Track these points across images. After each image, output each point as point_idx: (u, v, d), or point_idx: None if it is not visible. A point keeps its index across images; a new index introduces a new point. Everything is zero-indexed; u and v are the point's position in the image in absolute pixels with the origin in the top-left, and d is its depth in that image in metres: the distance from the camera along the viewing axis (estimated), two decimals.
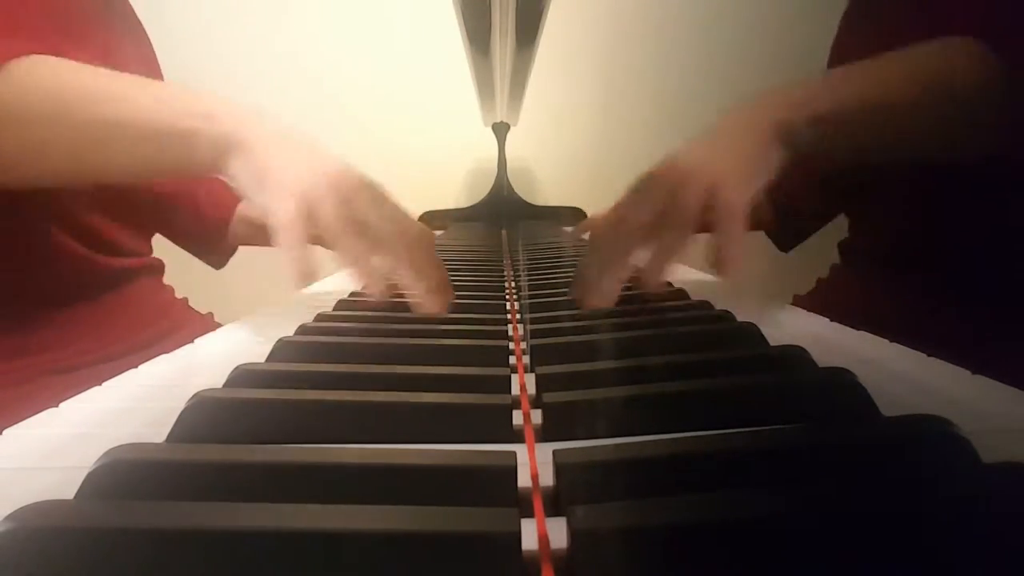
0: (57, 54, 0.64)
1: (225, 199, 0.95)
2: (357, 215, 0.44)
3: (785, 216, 0.85)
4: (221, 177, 0.48)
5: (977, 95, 0.49)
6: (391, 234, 0.44)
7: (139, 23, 0.88)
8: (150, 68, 0.89)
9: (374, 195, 0.46)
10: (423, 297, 0.44)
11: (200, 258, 0.90)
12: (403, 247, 0.44)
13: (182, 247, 0.88)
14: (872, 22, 0.81)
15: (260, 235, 0.91)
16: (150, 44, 0.90)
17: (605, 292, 0.45)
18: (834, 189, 0.79)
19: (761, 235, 0.88)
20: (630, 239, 0.45)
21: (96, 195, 0.65)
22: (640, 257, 0.45)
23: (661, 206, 0.44)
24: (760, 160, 0.46)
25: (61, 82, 0.49)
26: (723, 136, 0.49)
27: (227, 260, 0.92)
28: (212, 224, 0.87)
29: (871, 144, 0.52)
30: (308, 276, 0.42)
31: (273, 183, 0.44)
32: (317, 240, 0.43)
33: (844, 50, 0.89)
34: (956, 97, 0.49)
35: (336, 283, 0.71)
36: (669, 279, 0.52)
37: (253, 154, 0.46)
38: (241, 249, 0.91)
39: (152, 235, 0.83)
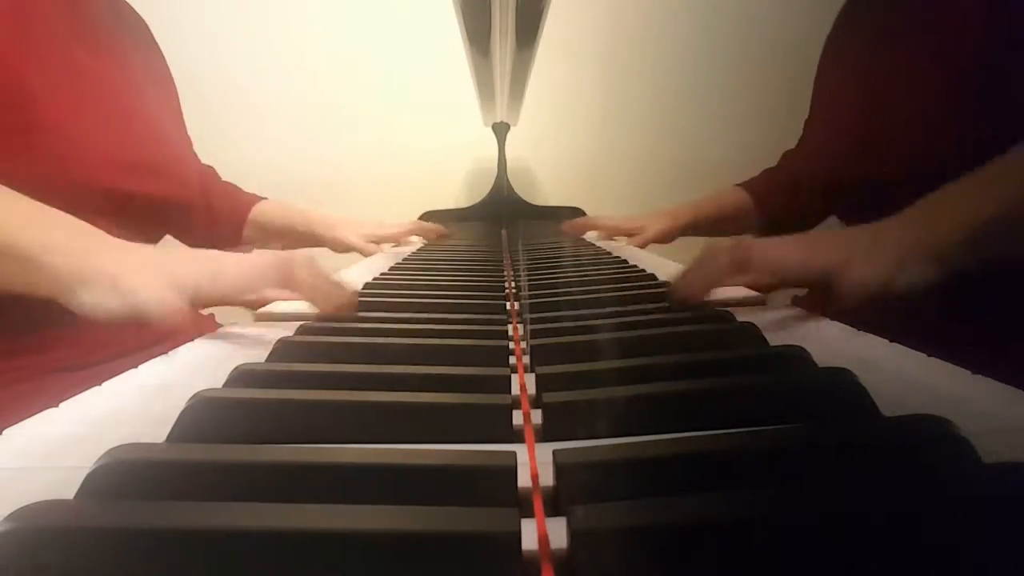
0: (74, 61, 0.65)
1: (239, 202, 0.95)
2: (224, 278, 0.47)
3: (774, 222, 0.86)
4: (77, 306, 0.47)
5: None
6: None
7: (150, 35, 0.89)
8: (162, 82, 0.90)
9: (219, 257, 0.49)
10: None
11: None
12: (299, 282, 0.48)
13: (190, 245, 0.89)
14: (866, 23, 0.81)
15: (272, 237, 0.92)
16: (162, 56, 0.91)
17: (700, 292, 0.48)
18: (817, 200, 0.80)
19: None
20: (734, 277, 0.49)
21: (102, 201, 0.65)
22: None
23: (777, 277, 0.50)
24: (907, 268, 0.46)
25: None
26: (876, 239, 0.49)
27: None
28: (226, 227, 0.89)
29: (1008, 251, 0.51)
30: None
31: (144, 292, 0.44)
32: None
33: (837, 50, 0.89)
34: None
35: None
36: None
37: (112, 277, 0.45)
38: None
39: (160, 238, 0.84)
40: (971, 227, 0.47)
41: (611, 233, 1.15)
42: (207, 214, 0.87)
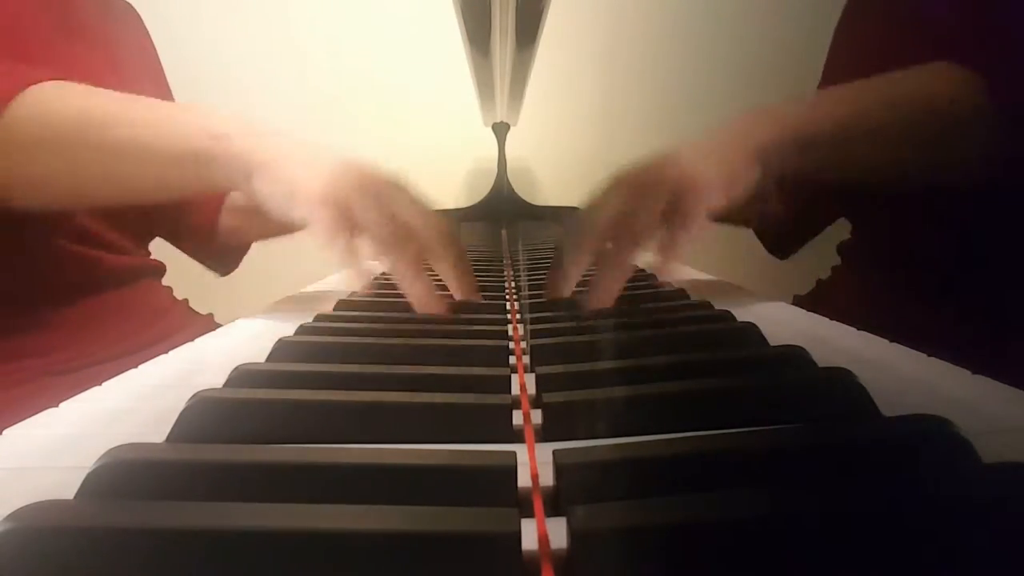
0: (64, 59, 0.65)
1: (211, 196, 0.93)
2: (389, 212, 0.45)
3: (779, 226, 0.85)
4: (247, 197, 0.47)
5: (960, 119, 0.49)
6: (423, 227, 0.46)
7: (141, 25, 0.88)
8: (154, 71, 0.89)
9: (401, 191, 0.48)
10: (455, 285, 0.48)
11: (204, 262, 0.89)
12: (435, 239, 0.47)
13: (185, 252, 0.88)
14: (866, 29, 0.81)
15: (252, 226, 0.90)
16: (154, 50, 0.90)
17: (570, 282, 0.48)
18: (827, 199, 0.79)
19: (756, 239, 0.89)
20: (596, 234, 0.47)
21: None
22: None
23: (630, 203, 0.47)
24: (734, 176, 0.47)
25: (77, 107, 0.49)
26: (704, 148, 0.50)
27: (233, 265, 0.91)
28: (202, 219, 0.86)
29: (854, 167, 0.53)
30: (365, 276, 0.45)
31: (303, 196, 0.44)
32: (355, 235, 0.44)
33: (838, 59, 0.89)
34: (939, 121, 0.50)
35: (336, 283, 0.71)
36: (670, 279, 0.54)
37: (277, 172, 0.46)
38: None
39: (151, 239, 0.83)
40: (791, 138, 0.48)
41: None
42: (181, 207, 0.84)
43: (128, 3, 0.87)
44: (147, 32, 0.89)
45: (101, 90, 0.50)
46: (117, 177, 0.50)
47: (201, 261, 0.89)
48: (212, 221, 0.85)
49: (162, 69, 0.91)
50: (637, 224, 0.46)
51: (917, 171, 0.53)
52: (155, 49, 0.90)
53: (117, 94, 0.50)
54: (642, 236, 0.46)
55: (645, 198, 0.46)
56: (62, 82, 0.50)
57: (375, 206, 0.44)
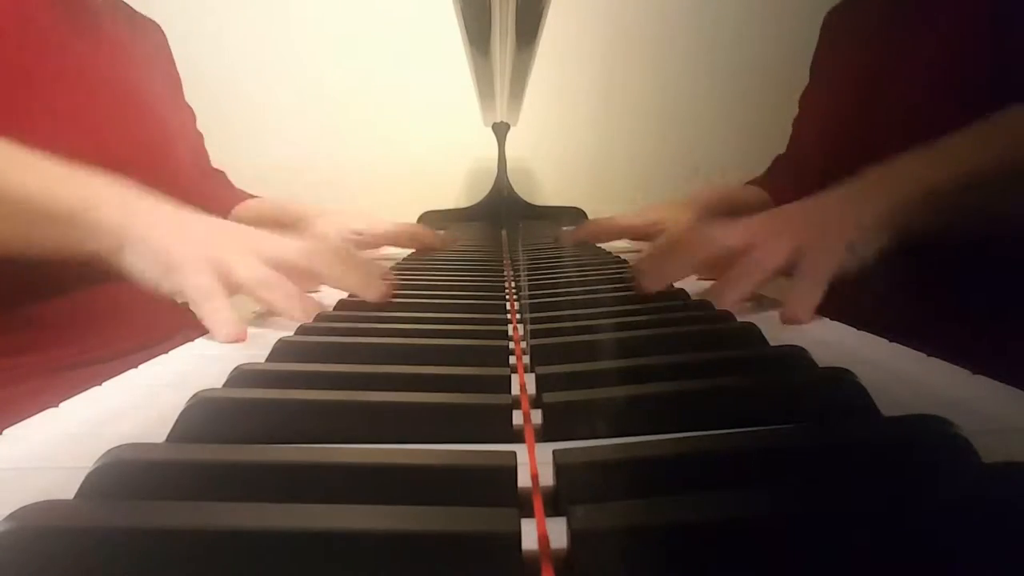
0: (66, 53, 0.65)
1: (223, 200, 0.95)
2: (265, 258, 0.47)
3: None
4: (118, 268, 0.47)
5: None
6: (300, 260, 0.49)
7: (160, 32, 0.89)
8: (171, 82, 0.90)
9: (268, 236, 0.50)
10: (363, 294, 0.50)
11: None
12: (319, 265, 0.50)
13: None
14: (856, 24, 0.81)
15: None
16: (170, 56, 0.91)
17: (663, 283, 0.50)
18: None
19: None
20: (709, 257, 0.49)
21: None
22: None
23: (758, 239, 0.47)
24: (862, 241, 0.47)
25: None
26: (835, 206, 0.49)
27: None
28: None
29: (971, 220, 0.52)
30: (239, 331, 0.44)
31: (178, 263, 0.44)
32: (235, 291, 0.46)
33: (828, 49, 0.89)
34: None
35: None
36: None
37: (150, 243, 0.46)
38: None
39: None
40: (922, 194, 0.47)
41: (626, 235, 0.99)
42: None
43: (152, 20, 0.87)
44: (168, 48, 0.90)
45: None
46: None
47: None
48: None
49: (179, 80, 0.92)
50: (762, 261, 0.46)
51: (1016, 216, 0.52)
52: (173, 60, 0.91)
53: (1, 148, 0.49)
54: (764, 275, 0.46)
55: (772, 240, 0.46)
56: None
57: (250, 259, 0.46)
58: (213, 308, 0.44)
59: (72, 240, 0.47)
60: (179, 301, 0.45)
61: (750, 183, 0.99)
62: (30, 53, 0.61)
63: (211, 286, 0.44)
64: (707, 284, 0.65)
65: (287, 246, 0.50)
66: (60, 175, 0.48)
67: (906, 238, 0.47)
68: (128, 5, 0.85)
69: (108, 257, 0.46)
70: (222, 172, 0.98)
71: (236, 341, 0.44)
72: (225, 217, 0.89)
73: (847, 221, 0.47)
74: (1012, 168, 0.49)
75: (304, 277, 0.50)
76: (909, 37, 0.70)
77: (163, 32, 0.90)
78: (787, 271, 0.46)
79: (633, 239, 1.00)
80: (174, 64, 0.92)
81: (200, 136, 0.97)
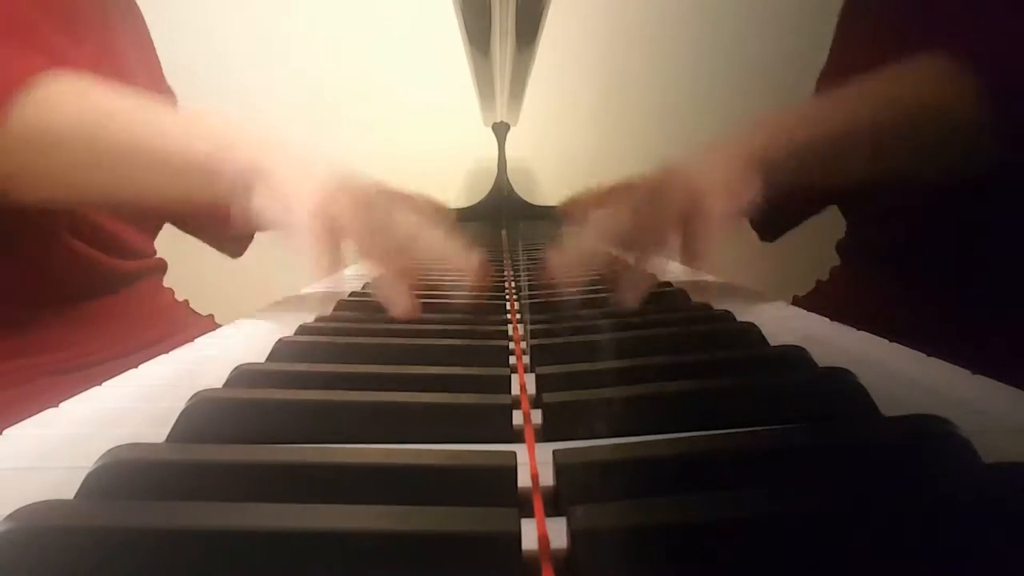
0: (56, 53, 0.64)
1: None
2: (379, 226, 0.47)
3: (766, 209, 0.84)
4: (243, 208, 0.48)
5: (953, 118, 0.50)
6: (412, 241, 0.49)
7: (139, 15, 0.87)
8: (150, 65, 0.89)
9: (394, 205, 0.51)
10: (467, 276, 0.50)
11: (217, 247, 0.89)
12: (427, 251, 0.50)
13: (198, 237, 0.87)
14: (868, 25, 0.81)
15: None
16: (150, 39, 0.89)
17: (580, 268, 0.52)
18: (816, 190, 0.79)
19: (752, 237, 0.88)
20: (611, 239, 0.52)
21: None
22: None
23: (645, 211, 0.50)
24: (739, 185, 0.49)
25: (85, 104, 0.49)
26: (707, 159, 0.51)
27: (244, 248, 0.90)
28: (212, 213, 0.86)
29: (849, 173, 0.53)
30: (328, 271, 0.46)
31: (298, 209, 0.45)
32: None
33: (841, 54, 0.89)
34: (932, 122, 0.50)
35: (336, 283, 0.71)
36: (664, 279, 0.56)
37: (276, 185, 0.46)
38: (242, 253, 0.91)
39: (157, 231, 0.83)
40: (785, 146, 0.50)
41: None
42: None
43: (135, 7, 0.86)
44: (145, 25, 0.88)
45: (111, 90, 0.50)
46: (120, 180, 0.50)
47: (214, 246, 0.89)
48: (225, 210, 0.85)
49: (158, 62, 0.91)
50: (654, 232, 0.48)
51: (911, 172, 0.54)
52: (152, 43, 0.90)
53: (125, 92, 0.50)
54: (660, 243, 0.48)
55: (659, 207, 0.49)
56: (68, 74, 0.50)
57: (366, 220, 0.46)
58: (316, 257, 0.45)
59: (208, 186, 0.48)
60: (288, 240, 0.46)
61: None
62: (12, 45, 0.61)
63: (320, 236, 0.44)
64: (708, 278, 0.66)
65: (407, 227, 0.50)
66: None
67: (777, 184, 0.50)
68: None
69: (238, 199, 0.47)
70: None
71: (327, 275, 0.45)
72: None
73: (721, 171, 0.49)
74: (875, 128, 0.51)
75: (397, 261, 0.48)
76: (925, 30, 0.70)
77: (143, 17, 0.89)
78: (680, 227, 0.48)
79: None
80: (154, 50, 0.90)
81: None
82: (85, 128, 0.48)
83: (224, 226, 0.83)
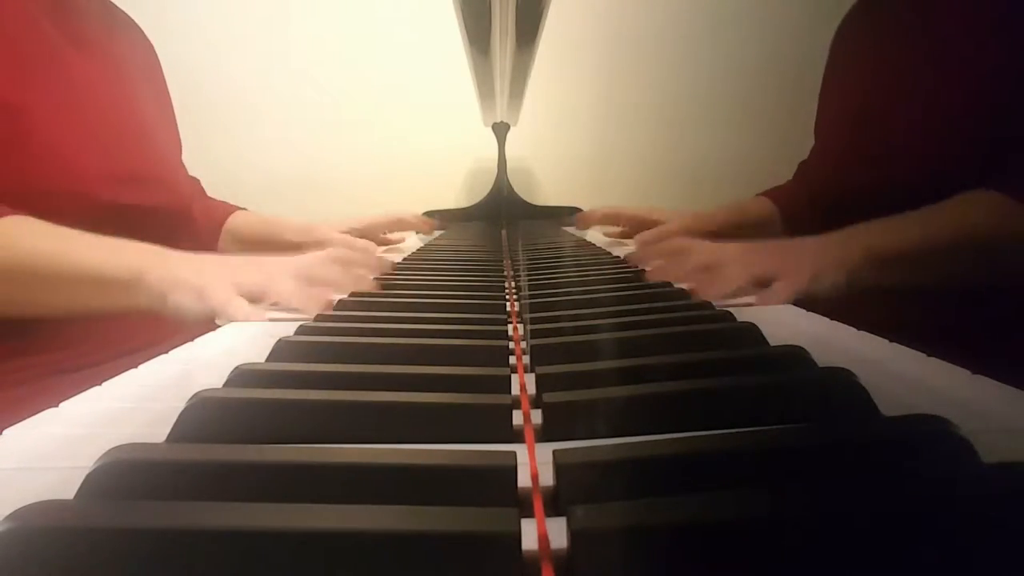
0: (65, 67, 0.65)
1: (216, 212, 0.96)
2: (283, 276, 0.57)
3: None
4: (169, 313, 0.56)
5: (1001, 243, 0.59)
6: (317, 271, 0.60)
7: (145, 39, 0.90)
8: (156, 83, 0.90)
9: (280, 261, 0.61)
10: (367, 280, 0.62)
11: None
12: (331, 271, 0.61)
13: None
14: (871, 30, 0.81)
15: (248, 248, 0.94)
16: (156, 58, 0.91)
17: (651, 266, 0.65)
18: (834, 210, 0.80)
19: None
20: (697, 264, 0.61)
21: (97, 212, 0.66)
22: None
23: (729, 261, 0.59)
24: (821, 280, 0.56)
25: (31, 244, 0.57)
26: (810, 248, 0.61)
27: None
28: (203, 237, 0.90)
29: (914, 280, 0.61)
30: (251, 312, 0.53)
31: (210, 292, 0.54)
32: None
33: (840, 56, 0.89)
34: (983, 248, 0.60)
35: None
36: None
37: (188, 285, 0.55)
38: None
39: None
40: (875, 255, 0.58)
41: (630, 223, 1.13)
42: (187, 222, 0.88)
43: (131, 19, 0.87)
44: (151, 46, 0.91)
45: (52, 228, 0.58)
46: (58, 297, 0.58)
47: None
48: (211, 246, 0.89)
49: (164, 81, 0.93)
50: (732, 276, 0.57)
51: (962, 280, 0.62)
52: (159, 62, 0.92)
53: (65, 232, 0.58)
54: (730, 288, 0.56)
55: (746, 261, 0.58)
56: (21, 218, 0.58)
57: (264, 279, 0.56)
58: (235, 309, 0.53)
59: (123, 299, 0.56)
60: (216, 321, 0.54)
61: (775, 191, 0.99)
62: (19, 71, 0.61)
63: (238, 300, 0.53)
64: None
65: (306, 264, 0.60)
66: (107, 247, 0.58)
67: (859, 285, 0.57)
68: (120, 11, 0.85)
69: (152, 305, 0.56)
70: (197, 180, 0.99)
71: (249, 319, 0.52)
72: (219, 229, 0.93)
73: (808, 261, 0.58)
74: (951, 244, 0.60)
75: (319, 281, 0.59)
76: (925, 44, 0.71)
77: (148, 39, 0.91)
78: (750, 290, 0.56)
79: (632, 228, 1.12)
80: (161, 70, 0.93)
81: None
82: (29, 261, 0.56)
83: (197, 240, 0.90)
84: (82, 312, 0.60)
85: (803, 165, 1.00)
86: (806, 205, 0.93)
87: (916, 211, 0.62)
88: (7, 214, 0.57)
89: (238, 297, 0.53)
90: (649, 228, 0.99)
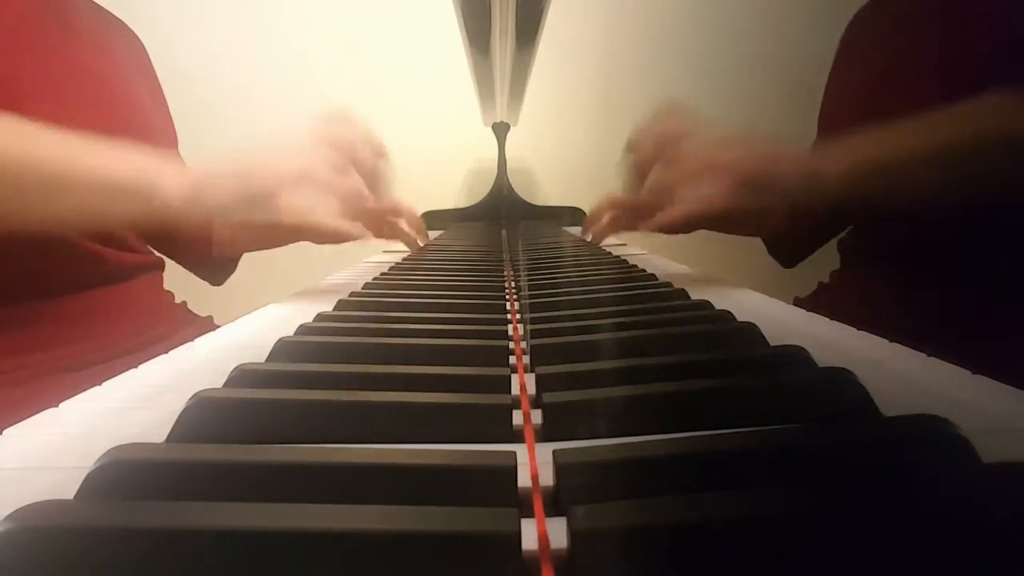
0: (62, 56, 0.65)
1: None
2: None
3: (788, 238, 0.85)
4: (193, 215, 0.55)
5: (1004, 145, 0.53)
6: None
7: (138, 42, 0.90)
8: (145, 71, 0.90)
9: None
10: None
11: (197, 273, 0.91)
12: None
13: (179, 263, 0.89)
14: (885, 25, 0.81)
15: (245, 238, 0.92)
16: (150, 63, 0.91)
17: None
18: (842, 215, 0.79)
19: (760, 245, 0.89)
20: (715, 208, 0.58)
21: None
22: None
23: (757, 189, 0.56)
24: (819, 181, 0.54)
25: (23, 144, 0.54)
26: (822, 153, 0.58)
27: (224, 277, 0.92)
28: (196, 230, 0.89)
29: (911, 195, 0.57)
30: (353, 226, 0.57)
31: (262, 191, 0.53)
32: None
33: (851, 53, 0.89)
34: (992, 154, 0.54)
35: (336, 282, 0.71)
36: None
37: (223, 182, 0.54)
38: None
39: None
40: (870, 167, 0.55)
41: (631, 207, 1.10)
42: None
43: (122, 21, 0.88)
44: (142, 46, 0.91)
45: (47, 130, 0.55)
46: (53, 206, 0.55)
47: (195, 271, 0.90)
48: (206, 232, 0.87)
49: (157, 79, 0.93)
50: (761, 213, 0.56)
51: (969, 197, 0.56)
52: (150, 61, 0.92)
53: (63, 135, 0.55)
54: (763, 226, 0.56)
55: (768, 191, 0.55)
56: (8, 116, 0.55)
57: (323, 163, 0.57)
58: (317, 220, 0.53)
59: (141, 204, 0.54)
60: (270, 225, 0.54)
61: None
62: (21, 53, 0.61)
63: (302, 203, 0.52)
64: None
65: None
66: (119, 154, 0.55)
67: (856, 201, 0.56)
68: (111, 14, 0.85)
69: (176, 215, 0.53)
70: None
71: (361, 236, 0.55)
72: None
73: (808, 165, 0.55)
74: (939, 158, 0.54)
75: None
76: (929, 44, 0.71)
77: (140, 39, 0.91)
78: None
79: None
80: (153, 69, 0.93)
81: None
82: (19, 162, 0.53)
83: (205, 249, 0.85)
84: (87, 220, 0.57)
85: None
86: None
87: (913, 119, 0.57)
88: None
89: (297, 197, 0.52)
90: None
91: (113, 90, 0.75)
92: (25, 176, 0.53)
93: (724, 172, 0.53)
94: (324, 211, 0.53)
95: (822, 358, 0.32)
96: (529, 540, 0.18)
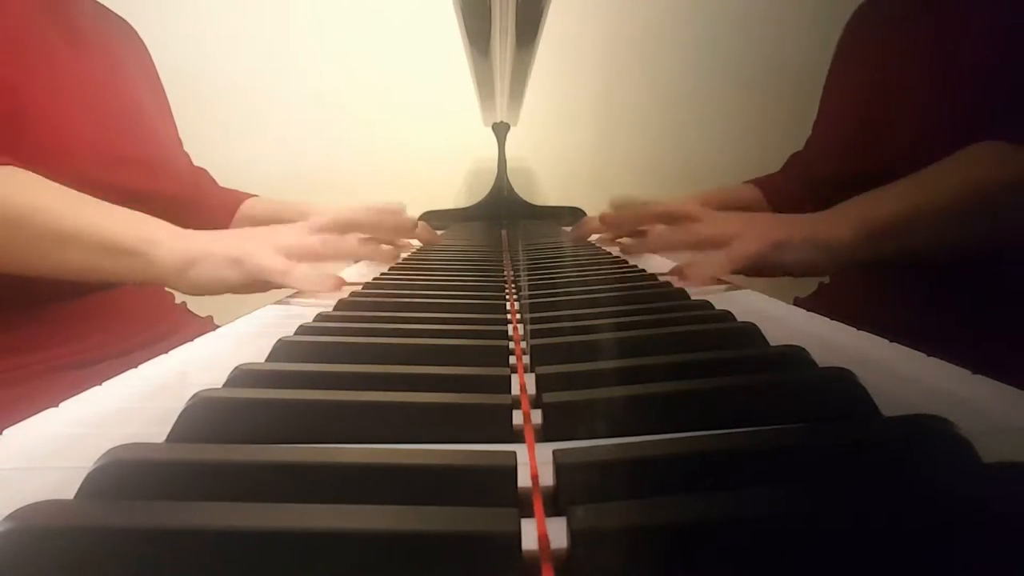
0: (56, 57, 0.65)
1: (229, 198, 0.96)
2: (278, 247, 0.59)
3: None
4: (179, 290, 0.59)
5: (1009, 191, 0.56)
6: (312, 241, 0.61)
7: (140, 41, 0.90)
8: (147, 72, 0.90)
9: (295, 225, 0.63)
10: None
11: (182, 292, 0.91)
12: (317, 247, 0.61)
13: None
14: (882, 20, 0.81)
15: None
16: (152, 62, 0.92)
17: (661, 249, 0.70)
18: (825, 199, 0.80)
19: None
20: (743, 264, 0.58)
21: (90, 194, 0.65)
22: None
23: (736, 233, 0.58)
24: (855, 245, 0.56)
25: (28, 197, 0.56)
26: (831, 218, 0.59)
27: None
28: (218, 220, 0.90)
29: (917, 250, 0.59)
30: (334, 282, 0.58)
31: (248, 256, 0.56)
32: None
33: (850, 46, 0.89)
34: (990, 201, 0.56)
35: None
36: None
37: (214, 252, 0.56)
38: None
39: None
40: (866, 231, 0.56)
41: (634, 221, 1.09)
42: (197, 210, 0.87)
43: (126, 21, 0.88)
44: (146, 48, 0.91)
45: (52, 184, 0.57)
46: (55, 258, 0.57)
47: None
48: (226, 225, 0.89)
49: (159, 80, 0.93)
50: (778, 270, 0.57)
51: (974, 244, 0.59)
52: (152, 62, 0.92)
53: (67, 190, 0.58)
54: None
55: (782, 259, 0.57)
56: (17, 169, 0.56)
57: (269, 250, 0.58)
58: (298, 276, 0.55)
59: (141, 267, 0.57)
60: (257, 286, 0.57)
61: (763, 179, 0.99)
62: (10, 58, 0.62)
63: (285, 262, 0.55)
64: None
65: (296, 232, 0.61)
66: (120, 216, 0.58)
67: (869, 259, 0.57)
68: (114, 14, 0.85)
69: (170, 279, 0.57)
70: (204, 170, 0.99)
71: (336, 289, 0.55)
72: (232, 214, 0.92)
73: (792, 230, 0.56)
74: (940, 214, 0.57)
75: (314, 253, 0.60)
76: (926, 40, 0.71)
77: (142, 40, 0.91)
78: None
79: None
80: (155, 69, 0.93)
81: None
82: (22, 215, 0.55)
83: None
84: (87, 276, 0.59)
85: (796, 156, 1.00)
86: (794, 194, 0.93)
87: (913, 175, 0.59)
88: (6, 163, 0.56)
89: (280, 257, 0.55)
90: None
91: (119, 100, 0.75)
92: (25, 228, 0.55)
93: (736, 251, 0.55)
94: (303, 276, 0.57)
95: (822, 358, 0.32)
96: (529, 540, 0.18)
